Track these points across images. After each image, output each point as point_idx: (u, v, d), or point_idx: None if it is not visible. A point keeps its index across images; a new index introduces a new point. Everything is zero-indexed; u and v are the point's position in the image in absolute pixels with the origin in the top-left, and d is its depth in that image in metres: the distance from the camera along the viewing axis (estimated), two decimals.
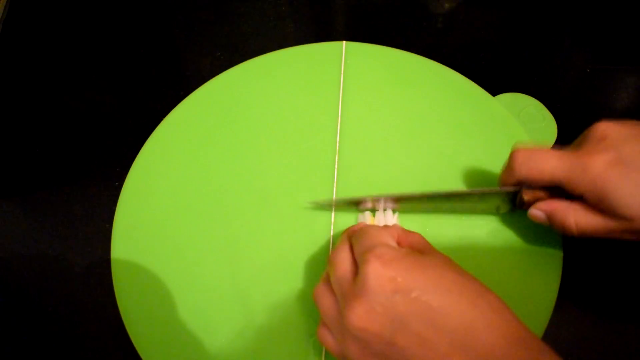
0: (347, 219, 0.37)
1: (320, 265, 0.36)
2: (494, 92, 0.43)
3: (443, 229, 0.37)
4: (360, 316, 0.25)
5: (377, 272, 0.25)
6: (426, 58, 0.44)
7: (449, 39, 0.50)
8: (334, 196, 0.38)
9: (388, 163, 0.40)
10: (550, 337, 0.34)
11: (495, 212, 0.36)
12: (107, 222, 0.39)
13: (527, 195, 0.32)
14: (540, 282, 0.35)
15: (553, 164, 0.30)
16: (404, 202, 0.36)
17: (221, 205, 0.38)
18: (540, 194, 0.32)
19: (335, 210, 0.37)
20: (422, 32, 0.51)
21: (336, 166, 0.40)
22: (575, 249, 0.36)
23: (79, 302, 0.38)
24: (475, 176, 0.39)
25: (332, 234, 0.37)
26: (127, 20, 0.53)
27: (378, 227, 0.30)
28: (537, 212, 0.32)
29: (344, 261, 0.28)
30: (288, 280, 0.35)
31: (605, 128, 0.29)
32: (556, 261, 0.35)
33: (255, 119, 0.42)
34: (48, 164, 0.44)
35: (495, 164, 0.39)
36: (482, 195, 0.34)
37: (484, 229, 0.36)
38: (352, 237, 0.30)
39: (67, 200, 0.42)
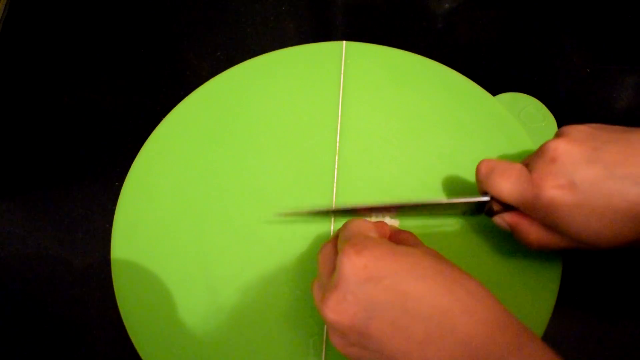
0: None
1: None
2: (494, 92, 0.43)
3: (441, 231, 0.37)
4: (332, 308, 0.25)
5: (350, 261, 0.25)
6: (426, 58, 0.44)
7: (449, 39, 0.50)
8: (334, 196, 0.38)
9: (388, 163, 0.40)
10: (550, 337, 0.34)
11: (462, 215, 0.36)
12: (107, 222, 0.39)
13: (496, 206, 0.33)
14: (540, 282, 0.35)
15: (508, 188, 0.30)
16: (384, 211, 0.36)
17: (221, 205, 0.38)
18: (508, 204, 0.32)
19: (334, 210, 0.38)
20: (422, 32, 0.51)
21: (336, 166, 0.40)
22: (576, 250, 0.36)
23: (79, 302, 0.38)
24: (474, 176, 0.39)
25: (332, 227, 0.37)
26: (127, 20, 0.53)
27: (364, 220, 0.30)
28: (501, 221, 0.33)
29: (325, 255, 0.28)
30: (289, 280, 0.35)
31: (556, 148, 0.29)
32: (556, 261, 0.35)
33: (255, 119, 0.42)
34: (48, 164, 0.44)
35: None
36: (452, 205, 0.35)
37: (483, 230, 0.36)
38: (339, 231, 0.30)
39: (67, 200, 0.42)
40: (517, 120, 0.41)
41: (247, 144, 0.41)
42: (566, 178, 0.28)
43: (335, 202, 0.38)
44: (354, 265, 0.25)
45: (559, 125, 0.42)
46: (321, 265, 0.28)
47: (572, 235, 0.29)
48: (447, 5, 0.52)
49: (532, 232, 0.31)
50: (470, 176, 0.39)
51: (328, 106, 0.42)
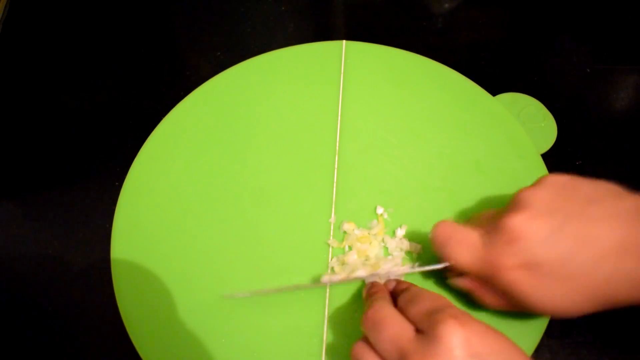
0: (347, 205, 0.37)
1: (319, 261, 0.36)
2: (494, 92, 0.43)
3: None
4: None
5: (456, 332, 0.25)
6: (426, 58, 0.44)
7: (449, 39, 0.50)
8: (334, 196, 0.38)
9: (388, 163, 0.40)
10: None
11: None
12: (107, 222, 0.39)
13: (451, 273, 0.33)
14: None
15: (465, 260, 0.30)
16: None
17: (221, 205, 0.38)
18: None
19: (335, 202, 0.38)
20: (422, 32, 0.51)
21: (336, 165, 0.40)
22: None
23: (79, 302, 0.38)
24: (474, 176, 0.39)
25: (332, 226, 0.37)
26: (127, 20, 0.53)
27: (429, 292, 0.30)
28: (457, 284, 0.33)
29: (394, 319, 0.28)
30: (288, 280, 0.35)
31: (514, 229, 0.28)
32: None
33: (255, 119, 0.42)
34: (48, 164, 0.44)
35: (495, 164, 0.39)
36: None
37: None
38: (400, 297, 0.30)
39: (67, 200, 0.42)
40: (517, 120, 0.41)
41: (246, 144, 0.41)
42: (527, 259, 0.28)
43: (334, 202, 0.38)
44: (459, 338, 0.25)
45: (559, 125, 0.42)
46: (389, 328, 0.27)
47: (530, 309, 0.29)
48: (447, 5, 0.52)
49: (490, 298, 0.31)
50: (470, 177, 0.39)
51: (328, 106, 0.42)
